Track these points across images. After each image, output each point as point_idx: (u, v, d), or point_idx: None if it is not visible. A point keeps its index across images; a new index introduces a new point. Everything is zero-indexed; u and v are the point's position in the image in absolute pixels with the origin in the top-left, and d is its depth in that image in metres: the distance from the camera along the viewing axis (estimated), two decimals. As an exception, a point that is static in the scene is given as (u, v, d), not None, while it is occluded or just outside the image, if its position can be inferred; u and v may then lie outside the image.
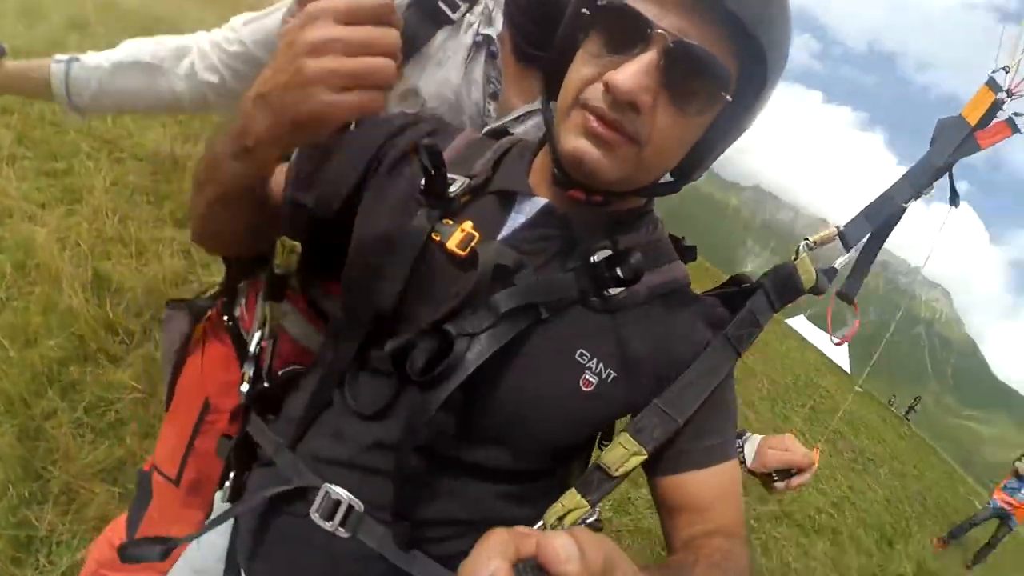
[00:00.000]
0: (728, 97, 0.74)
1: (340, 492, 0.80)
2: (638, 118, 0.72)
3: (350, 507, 0.80)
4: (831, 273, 1.00)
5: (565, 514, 0.82)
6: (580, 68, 0.76)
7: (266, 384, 0.99)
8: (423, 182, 0.83)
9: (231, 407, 1.17)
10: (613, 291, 0.82)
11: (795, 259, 0.95)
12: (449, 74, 1.08)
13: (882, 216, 1.03)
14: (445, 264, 0.82)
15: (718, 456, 0.86)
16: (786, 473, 1.22)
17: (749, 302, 0.90)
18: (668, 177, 0.87)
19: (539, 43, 1.06)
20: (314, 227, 0.92)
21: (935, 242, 1.14)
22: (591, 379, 0.80)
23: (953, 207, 1.10)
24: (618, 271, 0.80)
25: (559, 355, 0.80)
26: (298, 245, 0.93)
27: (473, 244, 0.81)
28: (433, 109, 1.07)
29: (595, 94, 0.73)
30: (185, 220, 3.65)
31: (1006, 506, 8.50)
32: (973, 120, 1.05)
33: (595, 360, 0.80)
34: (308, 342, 1.17)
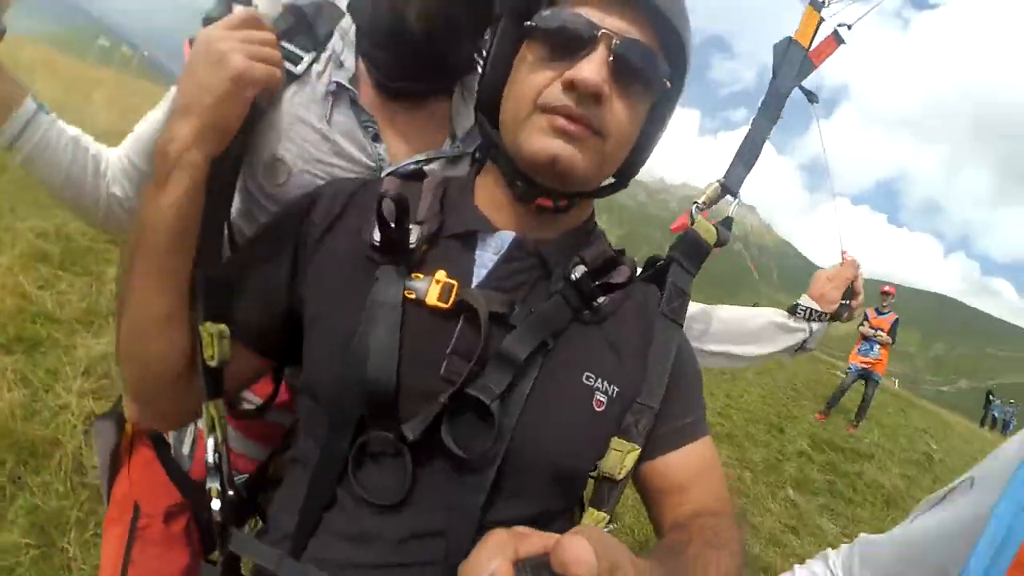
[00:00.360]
0: (668, 84, 0.82)
1: None
2: (599, 111, 0.76)
3: None
4: (728, 223, 1.08)
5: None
6: (530, 77, 0.79)
7: (231, 492, 0.88)
8: (377, 237, 0.80)
9: (162, 509, 1.16)
10: (600, 301, 0.84)
11: (692, 224, 1.03)
12: (307, 133, 1.01)
13: (754, 155, 1.12)
14: (429, 321, 0.78)
15: (690, 434, 0.88)
16: (848, 293, 1.33)
17: (670, 276, 0.96)
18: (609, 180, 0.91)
19: (402, 76, 1.04)
20: (242, 309, 0.87)
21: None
22: (601, 398, 0.81)
23: (814, 103, 1.20)
24: (600, 281, 0.84)
25: (571, 384, 0.80)
26: (225, 328, 0.83)
27: (454, 294, 0.78)
28: (304, 172, 1.00)
29: (555, 95, 0.76)
30: (11, 343, 3.23)
31: (865, 366, 9.47)
32: (805, 41, 1.14)
33: (600, 379, 0.82)
34: (237, 446, 1.14)
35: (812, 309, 1.32)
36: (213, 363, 0.81)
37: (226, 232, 0.95)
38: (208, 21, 0.89)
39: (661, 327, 0.90)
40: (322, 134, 1.02)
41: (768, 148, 1.11)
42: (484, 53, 0.91)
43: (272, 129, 1.01)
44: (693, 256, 1.00)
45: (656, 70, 0.80)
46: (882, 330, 9.37)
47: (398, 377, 0.75)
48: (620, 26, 0.77)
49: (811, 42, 1.14)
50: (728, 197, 1.13)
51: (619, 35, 0.76)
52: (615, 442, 0.82)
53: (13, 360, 3.10)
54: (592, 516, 0.83)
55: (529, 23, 0.80)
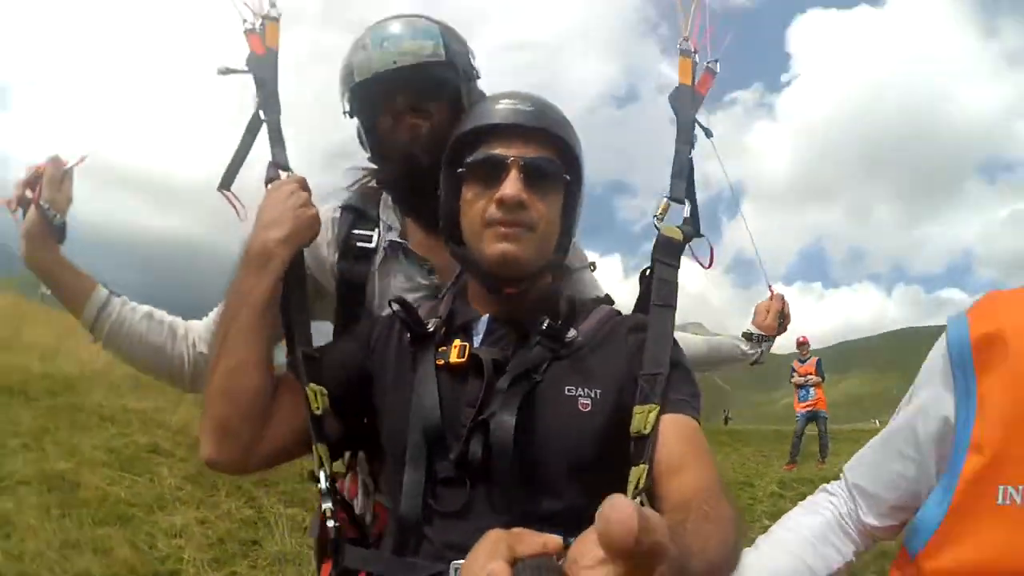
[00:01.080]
0: (567, 176, 1.10)
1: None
2: (525, 212, 1.04)
3: None
4: (688, 221, 1.26)
5: (638, 480, 0.94)
6: (473, 205, 1.07)
7: (336, 523, 1.06)
8: (408, 337, 1.11)
9: None
10: (569, 336, 1.06)
11: (660, 231, 1.19)
12: (384, 288, 1.37)
13: (685, 171, 1.28)
14: (456, 375, 1.05)
15: (682, 407, 1.00)
16: (780, 316, 1.82)
17: (655, 275, 1.14)
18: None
19: (433, 210, 1.24)
20: (329, 382, 1.11)
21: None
22: (585, 401, 1.00)
23: (710, 137, 1.37)
24: (561, 323, 1.07)
25: (556, 398, 1.01)
26: (324, 388, 1.09)
27: (468, 352, 1.04)
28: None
29: (493, 212, 1.04)
30: (106, 518, 4.07)
31: (808, 408, 10.73)
32: (688, 80, 1.34)
33: (580, 388, 1.01)
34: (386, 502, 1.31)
35: (760, 335, 1.79)
36: (319, 412, 1.06)
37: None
38: (269, 180, 1.21)
39: (655, 315, 1.08)
40: (391, 288, 1.35)
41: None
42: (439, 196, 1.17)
43: (368, 289, 1.37)
44: (670, 252, 1.17)
45: (555, 170, 1.08)
46: (810, 374, 10.76)
47: (442, 415, 1.00)
48: (522, 150, 1.05)
49: (692, 80, 1.34)
50: (678, 205, 1.27)
51: (522, 156, 1.04)
52: (636, 409, 0.97)
53: (113, 530, 3.96)
54: (636, 472, 0.94)
55: (461, 169, 1.08)
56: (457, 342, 1.07)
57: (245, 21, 1.31)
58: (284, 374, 1.14)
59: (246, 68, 1.27)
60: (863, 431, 17.12)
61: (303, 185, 1.20)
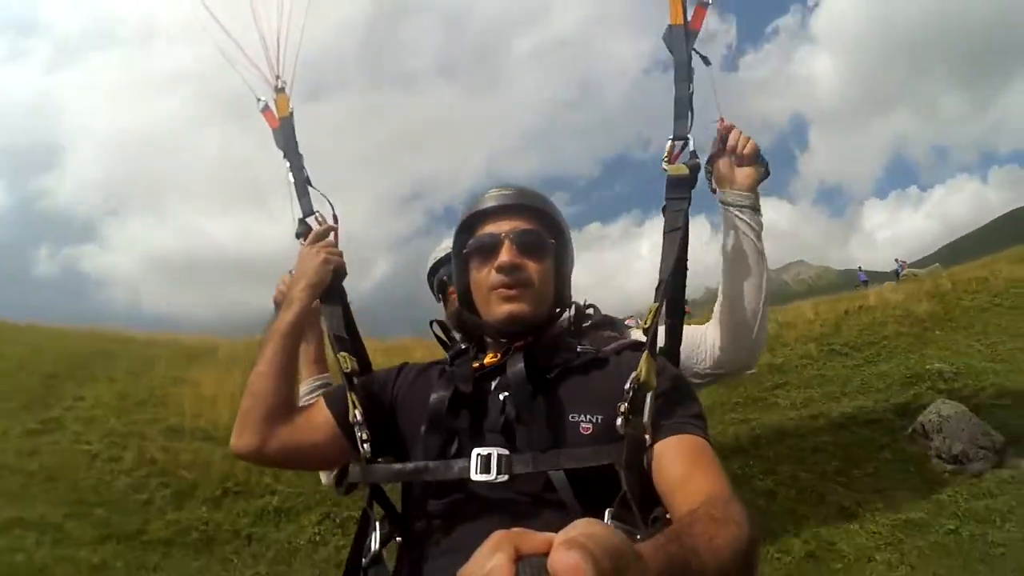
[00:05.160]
0: (552, 241, 1.34)
1: (489, 449, 1.13)
2: (522, 274, 1.27)
3: (500, 456, 1.10)
4: (694, 155, 1.42)
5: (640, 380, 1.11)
6: (478, 276, 1.33)
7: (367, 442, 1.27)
8: (448, 364, 1.33)
9: None
10: (580, 348, 1.29)
11: (667, 172, 1.40)
12: None
13: (685, 110, 1.42)
14: (489, 376, 1.27)
15: (686, 428, 1.09)
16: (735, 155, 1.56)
17: (668, 209, 1.39)
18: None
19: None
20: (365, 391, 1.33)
21: None
22: (587, 426, 1.16)
23: (708, 65, 1.46)
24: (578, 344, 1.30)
25: (560, 422, 1.17)
26: (353, 357, 1.37)
27: (500, 357, 1.27)
28: None
29: (493, 278, 1.28)
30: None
31: None
32: (679, 20, 1.44)
33: (583, 415, 1.17)
34: None
35: (731, 200, 1.56)
36: (347, 369, 1.34)
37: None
38: (299, 235, 1.61)
39: (666, 242, 1.35)
40: None
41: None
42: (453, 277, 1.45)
43: None
44: (677, 190, 1.38)
45: (541, 237, 1.32)
46: None
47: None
48: (511, 225, 1.30)
49: (684, 16, 1.41)
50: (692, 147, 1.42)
51: (512, 231, 1.29)
52: (644, 356, 1.12)
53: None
54: (647, 364, 1.11)
55: (465, 250, 1.34)
56: (491, 353, 1.31)
57: (259, 100, 1.72)
58: (314, 402, 1.41)
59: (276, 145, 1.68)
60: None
61: (322, 236, 1.56)
